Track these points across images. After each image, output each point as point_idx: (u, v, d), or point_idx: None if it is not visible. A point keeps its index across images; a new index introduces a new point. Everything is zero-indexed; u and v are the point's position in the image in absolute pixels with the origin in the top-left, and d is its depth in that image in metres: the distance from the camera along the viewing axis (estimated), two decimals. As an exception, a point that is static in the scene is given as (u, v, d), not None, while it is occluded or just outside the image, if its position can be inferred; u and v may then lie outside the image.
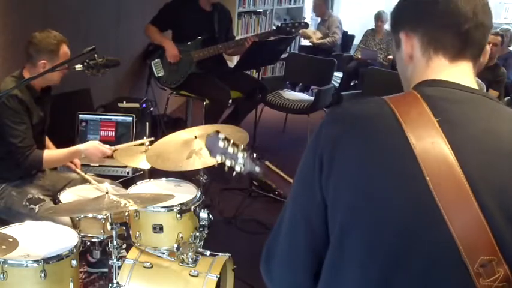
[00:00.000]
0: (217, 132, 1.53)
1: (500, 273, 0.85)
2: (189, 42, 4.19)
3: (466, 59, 0.97)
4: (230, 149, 1.48)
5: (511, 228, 0.85)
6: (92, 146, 2.71)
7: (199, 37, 4.19)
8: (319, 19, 7.29)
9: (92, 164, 3.10)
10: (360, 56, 6.50)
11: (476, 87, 0.97)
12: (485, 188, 0.85)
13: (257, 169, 1.44)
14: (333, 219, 0.94)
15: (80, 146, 2.71)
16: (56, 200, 2.56)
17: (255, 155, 1.46)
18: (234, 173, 1.50)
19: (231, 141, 1.49)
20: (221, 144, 1.50)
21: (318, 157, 0.94)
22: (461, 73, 0.96)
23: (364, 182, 0.90)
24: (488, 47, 1.15)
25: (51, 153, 2.69)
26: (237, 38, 5.14)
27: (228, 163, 1.49)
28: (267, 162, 1.44)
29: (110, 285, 2.18)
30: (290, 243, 1.01)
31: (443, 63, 0.96)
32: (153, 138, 2.67)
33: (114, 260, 2.16)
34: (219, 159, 1.51)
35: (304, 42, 7.38)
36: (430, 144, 0.87)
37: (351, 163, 0.91)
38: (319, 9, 7.05)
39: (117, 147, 2.71)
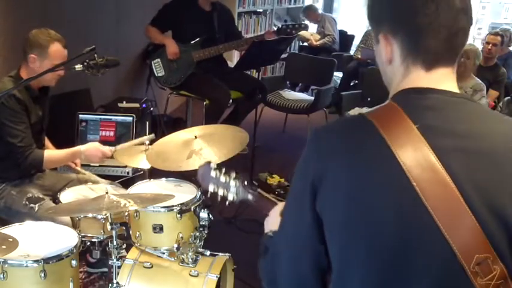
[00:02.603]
0: (209, 162, 1.54)
1: (497, 271, 0.85)
2: (189, 43, 4.19)
3: (444, 65, 0.96)
4: (222, 178, 1.49)
5: (499, 226, 0.86)
6: (93, 147, 2.71)
7: (200, 37, 4.19)
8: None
9: (92, 164, 3.10)
10: (360, 56, 6.50)
11: (457, 89, 0.97)
12: (472, 189, 0.86)
13: (250, 197, 1.45)
14: (330, 238, 0.95)
15: (80, 147, 2.71)
16: (56, 200, 2.56)
17: (246, 183, 1.46)
18: (227, 203, 1.51)
19: (223, 170, 1.50)
20: (213, 173, 1.51)
21: (309, 183, 0.95)
22: (440, 79, 0.96)
23: (356, 200, 0.90)
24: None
25: (51, 153, 2.69)
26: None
27: (220, 193, 1.51)
28: (259, 190, 1.45)
29: (110, 285, 2.18)
30: (295, 271, 1.01)
31: (421, 73, 0.95)
32: (153, 135, 2.66)
33: (114, 260, 2.16)
34: (211, 189, 1.52)
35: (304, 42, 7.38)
36: (414, 152, 0.87)
37: (341, 185, 0.92)
38: (312, 17, 7.10)
39: (117, 148, 2.70)
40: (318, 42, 6.92)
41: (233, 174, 1.49)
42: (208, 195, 1.53)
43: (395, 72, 0.98)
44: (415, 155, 0.87)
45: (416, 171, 0.86)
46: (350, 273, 0.93)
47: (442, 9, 0.91)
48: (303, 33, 6.84)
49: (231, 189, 1.47)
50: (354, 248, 0.91)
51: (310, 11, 7.18)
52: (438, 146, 0.87)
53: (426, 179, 0.85)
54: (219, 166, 1.51)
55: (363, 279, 0.91)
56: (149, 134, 2.74)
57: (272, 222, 1.28)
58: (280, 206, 1.33)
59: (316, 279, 1.01)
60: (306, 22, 7.04)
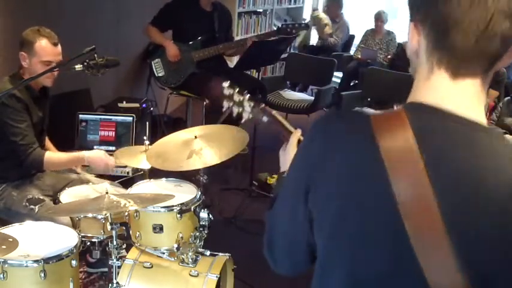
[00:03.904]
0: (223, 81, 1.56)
1: None
2: (189, 43, 4.19)
3: (472, 74, 0.85)
4: (236, 97, 1.50)
5: (481, 281, 0.81)
6: (97, 156, 2.69)
7: (200, 37, 4.19)
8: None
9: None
10: (360, 56, 6.50)
11: (482, 111, 0.87)
12: (463, 238, 0.80)
13: (264, 118, 1.46)
14: (317, 239, 0.95)
15: (84, 153, 2.69)
16: (56, 200, 2.56)
17: (262, 105, 1.47)
18: (243, 120, 1.53)
19: (236, 89, 1.51)
20: (226, 92, 1.52)
21: (304, 184, 0.93)
22: (463, 95, 0.86)
23: (341, 219, 0.88)
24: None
25: (53, 155, 2.66)
26: (237, 38, 5.15)
27: (235, 110, 1.51)
28: (274, 112, 1.46)
29: (110, 285, 2.18)
30: (289, 241, 1.02)
31: (444, 78, 0.86)
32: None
33: (114, 260, 2.16)
34: (225, 105, 1.52)
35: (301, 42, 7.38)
36: (411, 186, 0.82)
37: (331, 197, 0.89)
38: (331, 11, 7.07)
39: (122, 162, 2.69)
40: (324, 36, 6.93)
41: (246, 96, 1.48)
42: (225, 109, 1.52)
43: (420, 69, 0.90)
44: (413, 191, 0.81)
45: (410, 209, 0.81)
46: (332, 272, 0.92)
47: (478, 5, 0.80)
48: (322, 17, 6.87)
49: (246, 108, 1.47)
50: (337, 252, 0.91)
51: (333, 6, 7.12)
52: (440, 186, 0.81)
53: (418, 218, 0.81)
54: (232, 85, 1.52)
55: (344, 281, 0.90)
56: (149, 134, 2.74)
57: (285, 163, 1.30)
58: (296, 136, 1.34)
59: (308, 255, 1.01)
60: (317, 12, 7.06)
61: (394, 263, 0.85)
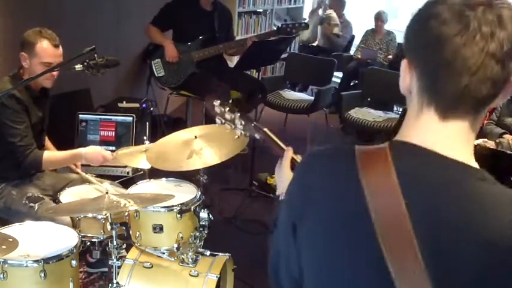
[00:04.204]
0: (214, 99, 1.57)
1: None
2: (189, 43, 4.19)
3: (460, 117, 0.86)
4: (227, 115, 1.52)
5: None
6: (94, 151, 2.69)
7: (200, 37, 4.19)
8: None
9: (91, 164, 3.10)
10: (360, 56, 6.50)
11: (467, 149, 0.88)
12: (440, 270, 0.81)
13: (256, 136, 1.48)
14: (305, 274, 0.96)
15: (81, 150, 2.69)
16: (56, 200, 2.56)
17: (253, 124, 1.48)
18: (236, 137, 1.54)
19: (227, 108, 1.53)
20: (217, 109, 1.53)
21: (291, 223, 0.95)
22: (450, 137, 0.87)
23: (323, 262, 0.90)
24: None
25: (51, 154, 2.68)
26: (237, 38, 5.15)
27: (227, 127, 1.53)
28: (265, 129, 1.47)
29: (110, 285, 2.19)
30: (286, 268, 1.04)
31: (433, 119, 0.87)
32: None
33: (114, 260, 2.16)
34: (218, 122, 1.53)
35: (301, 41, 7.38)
36: (391, 220, 0.83)
37: (316, 232, 0.91)
38: (336, 10, 7.07)
39: (118, 153, 2.68)
40: (332, 34, 6.94)
41: (237, 114, 1.50)
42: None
43: (411, 106, 0.91)
44: (396, 237, 0.82)
45: (394, 251, 0.82)
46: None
47: (470, 49, 0.80)
48: (332, 15, 6.89)
49: (238, 126, 1.49)
50: (327, 281, 0.91)
51: (336, 6, 7.09)
52: (422, 232, 0.81)
53: (402, 263, 0.82)
54: (223, 103, 1.54)
55: None
56: (149, 134, 2.74)
57: (281, 182, 1.32)
58: (289, 155, 1.35)
59: None
60: (330, 11, 7.06)
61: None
